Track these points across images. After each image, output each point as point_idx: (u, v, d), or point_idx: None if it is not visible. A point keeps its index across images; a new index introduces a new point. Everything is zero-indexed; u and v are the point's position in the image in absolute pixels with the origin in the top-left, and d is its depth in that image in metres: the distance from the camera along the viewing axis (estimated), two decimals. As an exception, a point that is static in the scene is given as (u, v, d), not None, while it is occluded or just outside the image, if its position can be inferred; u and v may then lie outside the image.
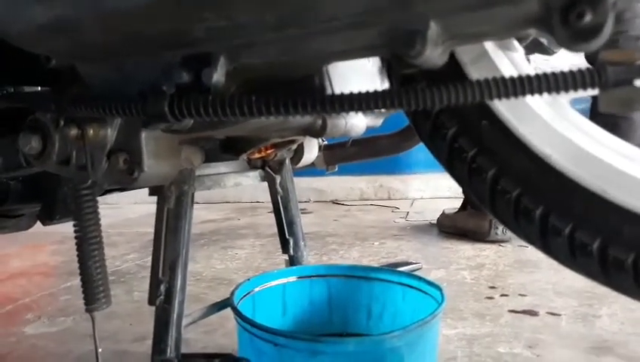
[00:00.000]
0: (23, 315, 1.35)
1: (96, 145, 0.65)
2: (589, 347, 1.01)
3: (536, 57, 0.77)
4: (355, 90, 0.43)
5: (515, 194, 0.58)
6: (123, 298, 1.46)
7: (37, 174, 0.83)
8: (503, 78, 0.40)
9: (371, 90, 0.43)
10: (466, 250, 1.82)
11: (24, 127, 0.67)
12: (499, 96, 0.40)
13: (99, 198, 0.72)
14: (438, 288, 0.84)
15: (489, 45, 0.58)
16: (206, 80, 0.48)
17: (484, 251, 1.79)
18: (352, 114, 0.55)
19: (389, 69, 0.63)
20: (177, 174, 0.75)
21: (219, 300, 0.92)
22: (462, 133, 0.60)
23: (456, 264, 1.65)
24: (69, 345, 1.13)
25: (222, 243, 2.14)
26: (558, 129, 0.56)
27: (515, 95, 0.40)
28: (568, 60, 0.80)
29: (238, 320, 0.77)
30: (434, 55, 0.41)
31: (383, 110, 0.43)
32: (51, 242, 2.24)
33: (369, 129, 0.69)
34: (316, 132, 0.63)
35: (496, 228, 1.87)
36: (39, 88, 0.80)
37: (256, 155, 0.97)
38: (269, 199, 1.07)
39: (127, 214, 3.00)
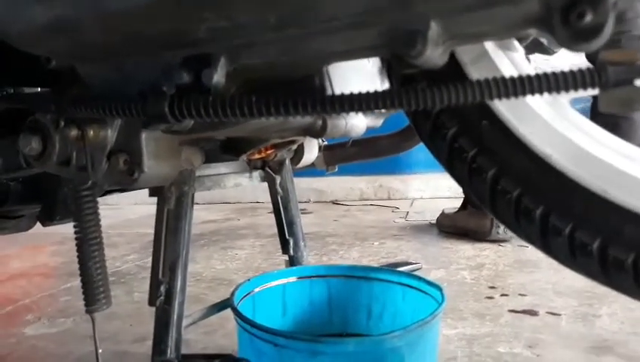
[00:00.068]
0: (23, 316, 1.35)
1: (97, 146, 0.65)
2: (589, 346, 1.01)
3: (537, 57, 0.77)
4: (356, 91, 0.43)
5: (516, 194, 0.58)
6: (123, 299, 1.46)
7: (37, 175, 0.83)
8: (503, 78, 0.40)
9: (371, 90, 0.43)
10: (466, 249, 1.82)
11: (24, 128, 0.67)
12: (499, 96, 0.40)
13: (99, 199, 0.72)
14: (438, 288, 0.84)
15: (489, 45, 0.58)
16: (206, 80, 0.48)
17: (484, 251, 1.79)
18: (352, 114, 0.55)
19: (389, 69, 0.63)
20: (177, 175, 0.75)
21: (219, 301, 0.92)
22: (462, 133, 0.60)
23: (456, 264, 1.65)
24: (69, 346, 1.13)
25: (222, 244, 2.14)
26: (559, 129, 0.56)
27: (516, 95, 0.40)
28: (569, 60, 0.80)
29: (238, 320, 0.77)
30: (434, 55, 0.41)
31: (383, 110, 0.43)
32: (51, 243, 2.24)
33: (369, 129, 0.69)
34: (316, 132, 0.63)
35: (498, 227, 1.87)
36: (39, 89, 0.80)
37: (257, 156, 0.97)
38: (269, 199, 1.07)
39: (127, 215, 3.00)
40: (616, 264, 0.54)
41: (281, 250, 1.07)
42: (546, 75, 0.39)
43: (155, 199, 0.79)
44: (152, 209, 0.80)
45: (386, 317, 0.96)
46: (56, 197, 0.87)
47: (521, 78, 0.39)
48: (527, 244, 0.61)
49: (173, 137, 0.67)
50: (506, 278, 1.48)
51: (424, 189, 3.18)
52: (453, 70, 0.58)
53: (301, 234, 1.06)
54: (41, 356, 1.10)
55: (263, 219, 2.72)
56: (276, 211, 1.06)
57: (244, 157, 0.91)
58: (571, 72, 0.38)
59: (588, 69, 0.38)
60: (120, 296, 1.47)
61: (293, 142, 0.94)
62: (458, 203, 2.16)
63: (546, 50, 0.71)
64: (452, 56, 0.57)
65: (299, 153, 1.03)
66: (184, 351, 0.77)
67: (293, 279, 0.98)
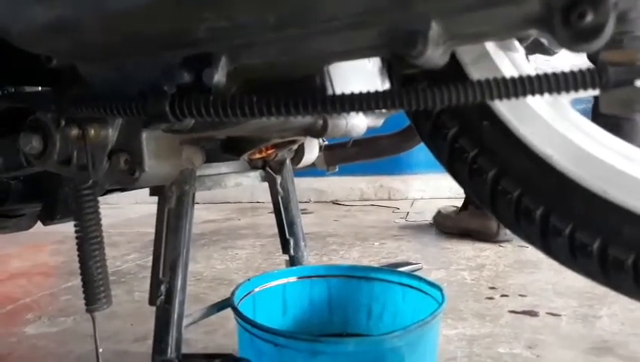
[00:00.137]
0: (23, 315, 1.35)
1: (97, 145, 0.65)
2: (589, 347, 1.01)
3: (538, 57, 0.77)
4: (356, 91, 0.43)
5: (516, 195, 0.58)
6: (124, 298, 1.46)
7: (38, 174, 0.83)
8: (503, 79, 0.40)
9: (372, 90, 0.43)
10: (466, 250, 1.82)
11: (25, 127, 0.67)
12: (500, 97, 0.40)
13: (100, 198, 0.72)
14: (439, 288, 0.84)
15: (490, 45, 0.58)
16: (207, 80, 0.48)
17: (485, 251, 1.79)
18: (352, 114, 0.55)
19: (389, 69, 0.63)
20: (178, 174, 0.75)
21: (219, 300, 0.92)
22: (463, 134, 0.60)
23: (457, 264, 1.65)
24: (70, 345, 1.13)
25: (222, 244, 2.14)
26: (559, 129, 0.56)
27: (516, 95, 0.40)
28: (569, 60, 0.80)
29: (239, 320, 0.77)
30: (435, 55, 0.41)
31: (383, 110, 0.43)
32: (52, 242, 2.24)
33: (370, 129, 0.69)
34: (317, 132, 0.63)
35: (504, 228, 1.86)
36: (40, 88, 0.80)
37: (257, 155, 0.97)
38: (270, 199, 1.07)
39: (128, 214, 3.00)
40: (616, 264, 0.54)
41: (281, 250, 1.07)
42: (546, 75, 0.39)
43: (155, 198, 0.79)
44: (153, 208, 0.80)
45: (386, 317, 0.96)
46: (57, 196, 0.87)
47: (521, 78, 0.39)
48: (527, 245, 0.61)
49: (174, 137, 0.67)
50: (507, 279, 1.48)
51: (425, 190, 3.18)
52: (454, 70, 0.58)
53: (301, 234, 1.06)
54: (41, 355, 1.10)
55: (264, 218, 2.72)
56: (277, 211, 1.06)
57: (244, 156, 0.91)
58: (571, 72, 0.38)
59: (588, 69, 0.38)
60: (120, 296, 1.47)
61: (293, 142, 0.94)
62: (456, 202, 2.16)
63: (546, 51, 0.71)
64: (453, 57, 0.57)
65: (299, 153, 1.03)
66: (184, 350, 0.77)
67: (293, 279, 0.98)
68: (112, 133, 0.65)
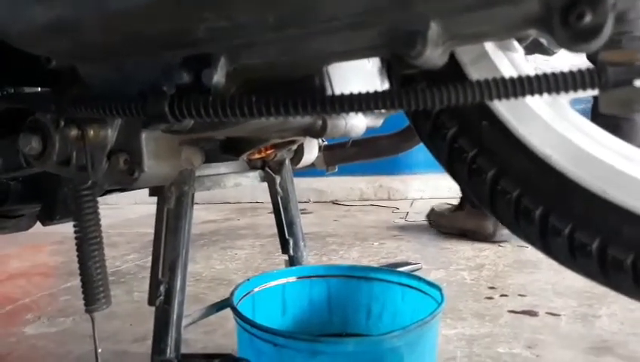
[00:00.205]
0: (22, 316, 1.35)
1: (97, 146, 0.65)
2: (589, 347, 1.01)
3: (537, 57, 0.77)
4: (355, 91, 0.43)
5: (515, 195, 0.58)
6: (123, 298, 1.46)
7: (37, 175, 0.83)
8: (502, 79, 0.40)
9: (371, 90, 0.43)
10: (465, 250, 1.82)
11: (24, 128, 0.67)
12: (499, 97, 0.40)
13: (99, 199, 0.72)
14: (438, 288, 0.84)
15: (489, 46, 0.58)
16: (206, 80, 0.48)
17: (484, 251, 1.79)
18: (352, 114, 0.55)
19: (389, 69, 0.63)
20: (177, 175, 0.75)
21: (218, 300, 0.92)
22: (462, 134, 0.60)
23: (456, 264, 1.65)
24: (69, 346, 1.13)
25: (222, 244, 2.14)
26: (558, 129, 0.57)
27: (515, 95, 0.40)
28: (569, 60, 0.80)
29: (238, 320, 0.77)
30: (434, 55, 0.41)
31: (383, 110, 0.43)
32: (51, 242, 2.24)
33: (369, 129, 0.69)
34: (316, 132, 0.63)
35: (501, 228, 1.86)
36: (39, 89, 0.80)
37: (256, 156, 0.97)
38: (269, 199, 1.07)
39: (127, 215, 3.00)
40: (615, 264, 0.54)
41: (280, 250, 1.07)
42: (545, 75, 0.39)
43: (155, 199, 0.79)
44: (152, 208, 0.80)
45: (386, 317, 0.96)
46: (56, 196, 0.87)
47: (520, 78, 0.39)
48: (526, 245, 0.61)
49: (173, 137, 0.67)
50: (506, 279, 1.48)
51: (424, 190, 3.18)
52: (453, 70, 0.58)
53: (301, 234, 1.06)
54: (40, 355, 1.10)
55: (263, 219, 2.72)
56: (276, 211, 1.06)
57: (244, 157, 0.91)
58: (570, 72, 0.38)
59: (587, 69, 0.38)
60: (120, 296, 1.47)
61: (293, 142, 0.94)
62: (455, 201, 2.16)
63: (545, 51, 0.71)
64: (452, 57, 0.57)
65: (299, 153, 1.03)
66: (184, 350, 0.77)
67: (292, 279, 0.98)
68: (111, 134, 0.65)
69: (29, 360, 1.09)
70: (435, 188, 3.12)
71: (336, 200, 3.28)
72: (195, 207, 0.80)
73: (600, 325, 1.12)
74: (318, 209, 3.01)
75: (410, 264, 1.16)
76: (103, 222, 0.72)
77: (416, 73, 0.58)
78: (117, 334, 1.18)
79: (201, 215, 2.86)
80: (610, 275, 0.55)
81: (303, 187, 3.02)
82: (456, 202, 2.11)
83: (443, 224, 2.11)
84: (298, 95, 0.44)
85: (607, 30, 0.35)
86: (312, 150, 1.04)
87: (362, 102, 0.43)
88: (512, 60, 0.59)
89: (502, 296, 1.34)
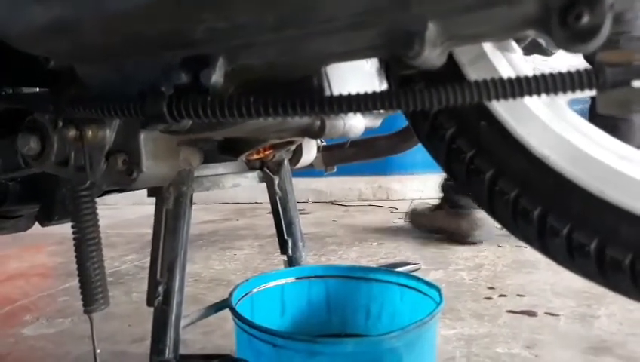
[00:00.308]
0: (21, 316, 1.35)
1: (95, 146, 0.65)
2: (588, 347, 1.01)
3: (535, 58, 0.77)
4: (354, 92, 0.43)
5: (514, 195, 0.58)
6: (121, 299, 1.45)
7: (35, 175, 0.83)
8: (501, 79, 0.40)
9: (369, 91, 0.43)
10: (464, 250, 1.82)
11: (23, 128, 0.67)
12: (497, 97, 0.40)
13: (98, 199, 0.72)
14: (437, 288, 0.84)
15: (487, 46, 0.58)
16: (204, 81, 0.48)
17: (483, 252, 1.79)
18: (350, 115, 0.56)
19: (387, 69, 0.63)
20: (176, 175, 0.75)
21: (217, 301, 0.92)
22: (460, 134, 0.61)
23: (455, 264, 1.65)
24: (68, 346, 1.13)
25: (220, 244, 2.14)
26: (556, 130, 0.57)
27: (513, 96, 0.40)
28: (567, 61, 0.81)
29: (237, 321, 0.77)
30: (432, 56, 0.41)
31: (381, 111, 0.43)
32: (50, 243, 2.24)
33: (367, 130, 0.69)
34: (315, 133, 0.63)
35: (476, 229, 1.87)
36: (38, 89, 0.80)
37: (255, 156, 0.97)
38: (268, 200, 1.07)
39: (126, 215, 3.00)
40: (613, 264, 0.54)
41: (279, 251, 1.07)
42: (543, 76, 0.39)
43: (153, 199, 0.79)
44: (152, 209, 0.80)
45: (385, 317, 0.96)
46: (55, 197, 0.87)
47: (518, 79, 0.39)
48: (525, 245, 0.62)
49: (172, 137, 0.67)
50: (505, 279, 1.48)
51: (422, 190, 3.17)
52: (452, 71, 0.58)
53: (300, 234, 1.06)
54: (39, 356, 1.10)
55: (262, 219, 2.72)
56: (275, 211, 1.06)
57: (242, 157, 0.91)
58: (568, 73, 0.38)
59: (585, 70, 0.38)
60: (118, 296, 1.47)
61: (291, 142, 0.94)
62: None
63: (544, 51, 0.72)
64: (450, 57, 0.57)
65: (297, 153, 1.03)
66: (182, 351, 0.76)
67: (291, 279, 0.98)
68: (109, 134, 0.65)
69: (27, 361, 1.09)
70: (433, 188, 3.11)
71: (335, 201, 3.28)
72: (194, 207, 0.80)
73: (599, 325, 1.12)
74: (317, 209, 3.01)
75: (409, 264, 1.16)
76: (102, 222, 0.72)
77: (414, 74, 0.58)
78: (115, 335, 1.18)
79: (200, 215, 2.86)
80: (609, 275, 0.55)
81: (301, 187, 3.02)
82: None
83: (422, 222, 2.11)
84: (296, 95, 0.44)
85: (605, 30, 0.35)
86: (310, 150, 1.04)
87: (360, 103, 0.43)
88: (510, 61, 0.59)
89: (501, 296, 1.34)
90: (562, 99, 0.58)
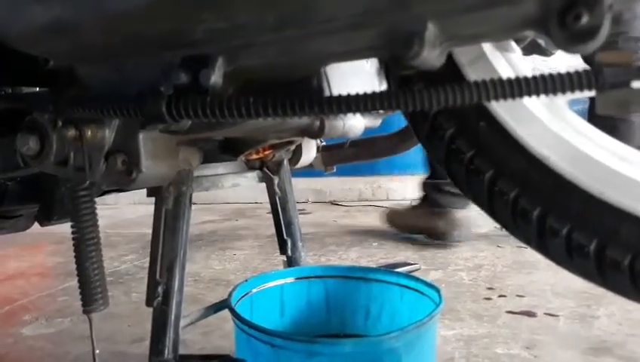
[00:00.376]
0: (20, 316, 1.35)
1: (94, 146, 0.65)
2: (587, 348, 1.01)
3: (535, 58, 0.77)
4: (353, 92, 0.43)
5: (513, 196, 0.58)
6: (121, 299, 1.45)
7: (35, 175, 0.83)
8: (500, 80, 0.40)
9: (369, 91, 0.43)
10: (464, 251, 1.82)
11: (22, 128, 0.67)
12: (496, 98, 0.40)
13: (98, 199, 0.72)
14: (436, 289, 0.84)
15: (487, 47, 0.58)
16: (204, 81, 0.48)
17: (482, 252, 1.79)
18: (350, 115, 0.56)
19: (386, 70, 0.63)
20: (175, 175, 0.75)
21: (217, 301, 0.91)
22: (459, 135, 0.61)
23: (454, 265, 1.65)
24: (67, 346, 1.13)
25: (220, 244, 2.14)
26: (556, 130, 0.57)
27: (513, 96, 0.40)
28: (567, 61, 0.81)
29: (236, 321, 0.77)
30: (432, 56, 0.41)
31: (381, 111, 0.43)
32: (49, 243, 2.24)
33: (367, 130, 0.69)
34: (314, 133, 0.63)
35: (456, 230, 1.87)
36: (37, 89, 0.80)
37: (255, 156, 0.97)
38: (268, 200, 1.07)
39: (126, 215, 3.00)
40: (613, 265, 0.54)
41: (279, 251, 1.07)
42: (542, 76, 0.39)
43: (153, 199, 0.79)
44: (151, 209, 0.80)
45: (384, 317, 0.96)
46: (54, 197, 0.87)
47: (518, 79, 0.39)
48: (525, 245, 0.62)
49: (171, 137, 0.67)
50: (504, 279, 1.48)
51: (422, 190, 3.17)
52: (451, 71, 0.58)
53: (299, 234, 1.06)
54: (38, 356, 1.10)
55: (262, 219, 2.72)
56: (274, 212, 1.06)
57: (242, 157, 0.91)
58: (567, 73, 0.38)
59: (584, 70, 0.38)
60: (118, 296, 1.47)
61: (291, 142, 0.94)
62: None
63: (543, 52, 0.72)
64: (449, 58, 0.57)
65: (297, 154, 1.03)
66: (182, 351, 0.76)
67: (291, 280, 0.98)
68: (109, 134, 0.65)
69: (26, 361, 1.09)
70: (433, 188, 3.12)
71: (335, 201, 3.28)
72: (194, 207, 0.80)
73: (598, 325, 1.12)
74: (317, 209, 3.01)
75: (409, 264, 1.16)
76: (102, 222, 0.72)
77: (414, 74, 0.58)
78: (115, 335, 1.18)
79: (200, 215, 2.86)
80: (608, 276, 0.55)
81: (301, 187, 3.02)
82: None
83: (399, 223, 2.09)
84: (296, 96, 0.44)
85: (604, 31, 0.35)
86: (310, 150, 1.04)
87: (360, 103, 0.43)
88: (509, 61, 0.59)
89: (500, 296, 1.34)
90: (562, 100, 0.58)
